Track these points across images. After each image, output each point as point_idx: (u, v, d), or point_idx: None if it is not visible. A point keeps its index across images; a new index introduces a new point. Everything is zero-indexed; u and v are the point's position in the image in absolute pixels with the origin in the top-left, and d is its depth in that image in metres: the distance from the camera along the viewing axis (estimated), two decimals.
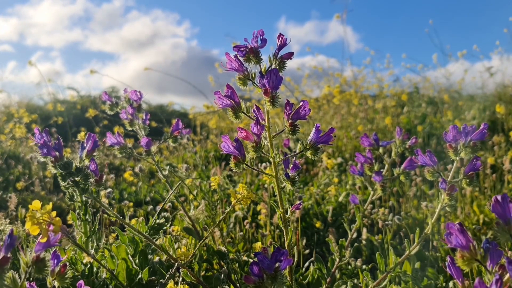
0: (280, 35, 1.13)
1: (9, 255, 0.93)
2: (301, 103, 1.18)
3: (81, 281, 1.09)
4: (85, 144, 1.45)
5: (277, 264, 0.98)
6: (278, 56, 1.16)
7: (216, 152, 4.95)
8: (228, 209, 1.54)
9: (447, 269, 0.97)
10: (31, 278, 1.05)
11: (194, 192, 2.60)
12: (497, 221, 0.86)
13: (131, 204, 2.85)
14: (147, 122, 2.02)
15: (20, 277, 0.96)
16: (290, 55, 1.15)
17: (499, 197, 0.86)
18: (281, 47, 1.15)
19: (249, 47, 1.13)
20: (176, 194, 2.00)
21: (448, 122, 5.36)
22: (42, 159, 1.38)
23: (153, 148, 1.96)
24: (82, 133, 2.34)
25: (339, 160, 3.79)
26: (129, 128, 2.01)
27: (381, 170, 1.85)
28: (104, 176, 1.62)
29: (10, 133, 5.38)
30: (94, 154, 1.48)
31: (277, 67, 1.16)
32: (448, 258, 0.95)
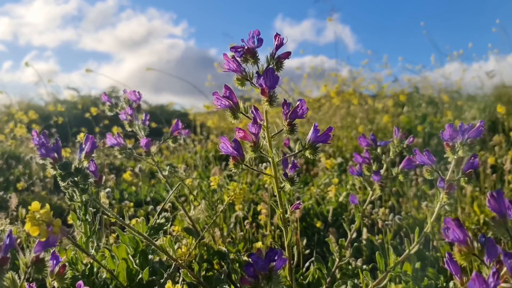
0: (277, 35, 1.13)
1: (8, 255, 0.93)
2: (298, 102, 1.18)
3: (80, 282, 1.10)
4: (83, 146, 1.45)
5: (271, 264, 0.98)
6: (276, 56, 1.17)
7: (216, 152, 4.95)
8: (222, 207, 1.56)
9: (446, 266, 0.97)
10: (31, 279, 1.06)
11: (195, 192, 2.60)
12: (493, 216, 0.88)
13: (132, 204, 2.85)
14: (147, 123, 2.01)
15: (19, 278, 0.97)
16: (287, 54, 1.15)
17: (494, 193, 0.89)
18: (278, 46, 1.15)
19: (246, 47, 1.13)
20: (176, 194, 2.00)
21: (449, 122, 5.35)
22: (41, 161, 1.39)
23: (153, 149, 1.95)
24: (81, 135, 2.35)
25: (339, 160, 3.79)
26: (129, 129, 2.00)
27: (380, 170, 1.84)
28: (104, 177, 1.63)
29: (11, 133, 5.38)
30: (93, 155, 1.48)
31: (275, 67, 1.16)
32: (446, 255, 0.96)
